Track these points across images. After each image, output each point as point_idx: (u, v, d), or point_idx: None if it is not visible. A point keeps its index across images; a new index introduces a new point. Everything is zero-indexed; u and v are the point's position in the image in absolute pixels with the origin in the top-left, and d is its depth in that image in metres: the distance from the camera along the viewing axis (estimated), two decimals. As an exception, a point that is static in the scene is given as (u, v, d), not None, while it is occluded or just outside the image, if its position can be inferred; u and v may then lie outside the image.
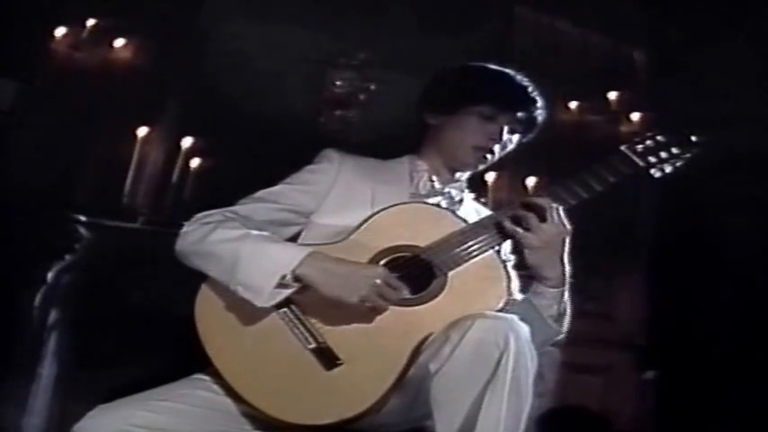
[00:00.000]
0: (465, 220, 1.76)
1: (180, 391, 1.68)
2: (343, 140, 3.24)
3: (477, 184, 2.08)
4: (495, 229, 1.71)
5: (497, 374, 1.44)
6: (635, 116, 3.55)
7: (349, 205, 1.81)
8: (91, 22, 3.17)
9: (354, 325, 1.65)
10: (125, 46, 3.22)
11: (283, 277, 1.61)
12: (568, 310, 1.74)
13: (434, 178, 1.92)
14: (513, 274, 1.77)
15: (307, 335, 1.66)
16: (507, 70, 1.93)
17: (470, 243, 1.69)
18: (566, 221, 1.70)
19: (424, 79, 2.01)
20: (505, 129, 1.88)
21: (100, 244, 2.81)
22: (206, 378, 1.71)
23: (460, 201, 1.94)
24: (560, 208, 1.70)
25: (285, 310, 1.67)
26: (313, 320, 1.67)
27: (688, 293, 3.29)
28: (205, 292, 1.73)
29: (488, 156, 1.89)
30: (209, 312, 1.71)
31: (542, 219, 1.68)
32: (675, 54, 3.54)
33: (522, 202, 1.75)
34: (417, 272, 1.69)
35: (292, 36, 3.34)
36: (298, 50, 3.36)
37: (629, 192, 2.85)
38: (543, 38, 3.60)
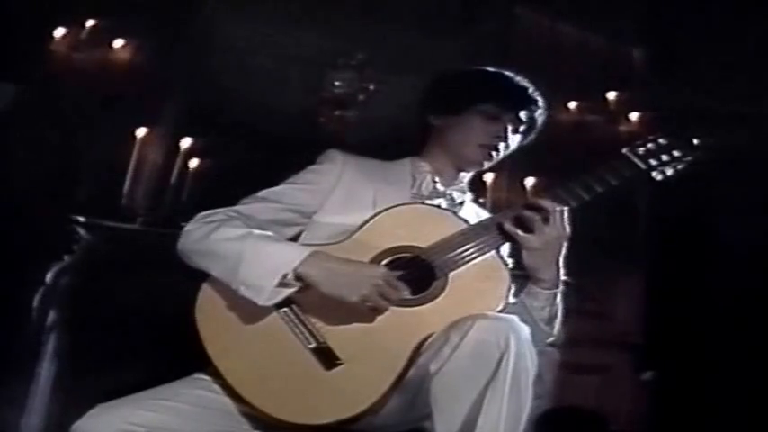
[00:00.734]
0: (466, 221, 1.76)
1: (179, 390, 1.68)
2: (342, 141, 3.23)
3: (475, 185, 2.08)
4: (497, 231, 1.71)
5: (497, 375, 1.45)
6: (634, 116, 3.55)
7: (351, 206, 1.81)
8: (90, 22, 3.17)
9: (355, 325, 1.66)
10: (124, 46, 3.20)
11: (285, 276, 1.61)
12: (560, 313, 1.76)
13: (437, 179, 1.93)
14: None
15: (307, 334, 1.66)
16: (507, 72, 1.94)
17: (471, 244, 1.70)
18: (567, 225, 1.71)
19: (424, 80, 2.02)
20: (509, 128, 1.89)
21: (99, 245, 2.81)
22: (206, 377, 1.71)
23: (461, 203, 1.95)
24: (564, 210, 1.71)
25: (286, 309, 1.67)
26: (313, 320, 1.67)
27: (686, 294, 3.29)
28: (206, 292, 1.73)
29: (494, 153, 1.90)
30: (209, 312, 1.71)
31: (545, 221, 1.69)
32: (675, 54, 3.55)
33: (525, 203, 1.75)
34: (418, 272, 1.69)
35: (291, 36, 3.34)
36: (297, 51, 3.36)
37: (629, 192, 2.84)
38: (542, 38, 3.60)
